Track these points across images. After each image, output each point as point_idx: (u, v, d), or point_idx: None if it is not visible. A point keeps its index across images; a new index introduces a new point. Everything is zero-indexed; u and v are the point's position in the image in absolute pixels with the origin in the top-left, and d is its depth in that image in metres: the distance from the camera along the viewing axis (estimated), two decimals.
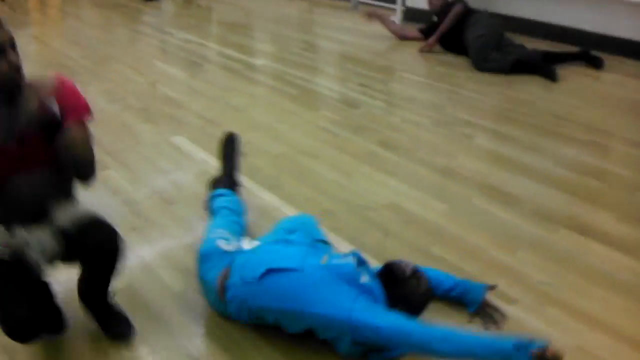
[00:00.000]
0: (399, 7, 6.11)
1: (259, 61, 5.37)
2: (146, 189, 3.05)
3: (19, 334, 1.74)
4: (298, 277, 1.88)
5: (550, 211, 2.77)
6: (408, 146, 3.52)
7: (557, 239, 2.56)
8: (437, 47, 5.26)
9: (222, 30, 6.70)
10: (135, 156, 3.44)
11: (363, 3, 6.89)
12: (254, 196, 2.96)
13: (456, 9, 4.99)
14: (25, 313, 1.71)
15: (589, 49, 4.78)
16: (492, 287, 2.18)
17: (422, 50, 5.22)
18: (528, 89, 4.34)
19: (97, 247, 1.81)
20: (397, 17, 6.13)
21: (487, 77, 4.61)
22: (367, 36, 5.90)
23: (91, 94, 4.72)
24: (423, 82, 4.70)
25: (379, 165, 3.26)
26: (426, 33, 5.42)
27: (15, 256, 1.76)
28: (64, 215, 1.80)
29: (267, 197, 2.96)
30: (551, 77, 4.45)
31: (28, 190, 1.71)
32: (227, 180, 2.68)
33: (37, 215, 1.77)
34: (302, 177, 3.16)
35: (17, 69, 1.63)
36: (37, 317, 1.75)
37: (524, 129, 3.67)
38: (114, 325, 2.03)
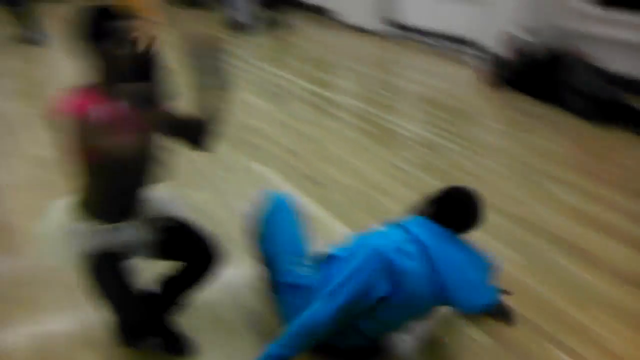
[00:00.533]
0: (479, 53, 6.12)
1: (339, 97, 5.48)
2: (226, 210, 3.15)
3: (133, 337, 1.87)
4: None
5: (631, 274, 2.67)
6: (481, 192, 3.48)
7: (637, 304, 2.47)
8: (517, 93, 5.25)
9: (306, 65, 6.87)
10: (217, 178, 3.57)
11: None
12: (324, 225, 3.01)
13: None
14: (142, 316, 1.85)
15: None
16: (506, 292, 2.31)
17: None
18: (610, 143, 4.24)
19: (203, 250, 2.01)
20: (476, 63, 6.13)
21: (569, 128, 4.53)
22: (447, 79, 5.93)
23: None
24: (501, 129, 4.66)
25: None
26: (508, 80, 5.40)
27: (118, 249, 1.88)
28: (156, 210, 1.99)
29: (337, 227, 3.00)
30: None
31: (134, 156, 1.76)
32: None
33: (133, 202, 1.93)
34: (372, 211, 3.20)
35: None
36: (148, 319, 1.87)
37: (604, 184, 3.57)
38: (174, 341, 2.10)
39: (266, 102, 5.23)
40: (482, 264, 2.09)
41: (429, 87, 5.70)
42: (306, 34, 8.21)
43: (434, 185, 3.49)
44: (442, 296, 1.95)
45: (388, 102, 5.26)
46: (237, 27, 8.12)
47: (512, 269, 2.67)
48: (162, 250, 1.97)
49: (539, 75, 5.10)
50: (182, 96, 1.88)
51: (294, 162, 3.23)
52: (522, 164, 3.91)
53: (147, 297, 2.01)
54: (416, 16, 7.44)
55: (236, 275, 2.57)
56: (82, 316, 2.24)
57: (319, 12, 9.12)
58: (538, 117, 4.80)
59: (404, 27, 7.67)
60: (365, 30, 7.93)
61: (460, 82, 5.83)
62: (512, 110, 5.05)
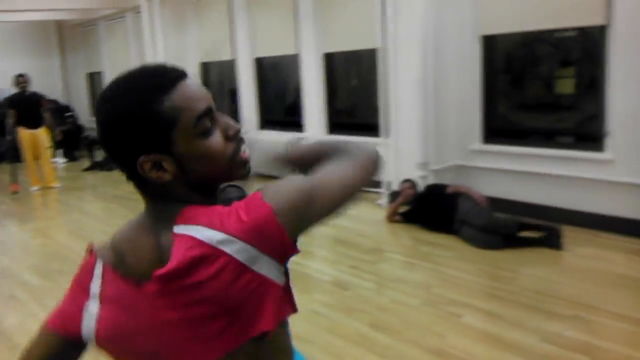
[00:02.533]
0: (384, 190, 6.53)
1: None
2: None
3: None
4: None
5: None
6: (398, 327, 3.63)
7: None
8: (419, 226, 5.59)
9: None
10: None
11: None
12: None
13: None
14: None
15: (559, 226, 4.96)
16: None
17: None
18: (510, 267, 4.54)
19: None
20: (383, 200, 6.51)
21: (471, 255, 4.84)
22: (357, 220, 6.22)
23: None
24: (410, 262, 4.91)
25: (370, 347, 3.35)
26: (406, 217, 5.78)
27: None
28: None
29: None
30: (556, 245, 4.73)
31: None
32: None
33: None
34: None
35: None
36: None
37: (510, 306, 3.81)
38: None
39: None
40: None
41: (342, 229, 5.95)
42: None
43: (359, 328, 3.63)
44: None
45: (303, 247, 5.42)
46: None
47: None
48: None
49: (435, 208, 5.50)
50: None
51: None
52: (432, 294, 4.11)
53: None
54: None
55: None
56: None
57: None
58: (441, 247, 5.11)
59: None
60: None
61: (368, 219, 6.14)
62: (417, 242, 5.35)
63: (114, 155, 1.06)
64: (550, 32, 5.58)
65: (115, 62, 12.29)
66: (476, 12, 5.88)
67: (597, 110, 5.15)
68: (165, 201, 1.08)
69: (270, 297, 1.02)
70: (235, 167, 1.10)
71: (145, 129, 1.00)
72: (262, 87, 8.97)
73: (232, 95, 9.62)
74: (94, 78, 13.57)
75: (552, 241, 4.84)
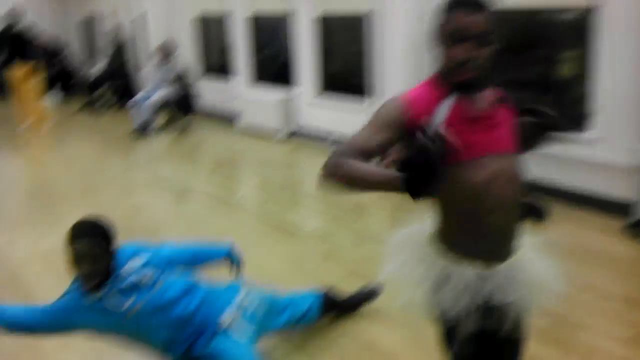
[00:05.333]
0: None
1: (239, 194, 5.70)
2: None
3: None
4: None
5: None
6: (372, 274, 3.73)
7: None
8: None
9: (208, 165, 7.09)
10: None
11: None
12: None
13: None
14: None
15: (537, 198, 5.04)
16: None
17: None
18: None
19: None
20: None
21: None
22: None
23: (75, 220, 4.95)
24: (389, 217, 4.99)
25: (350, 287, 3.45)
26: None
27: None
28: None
29: None
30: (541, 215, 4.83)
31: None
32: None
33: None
34: None
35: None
36: None
37: None
38: None
39: (166, 201, 5.37)
40: None
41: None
42: (212, 138, 8.49)
43: (333, 274, 3.73)
44: None
45: (288, 199, 5.54)
46: (139, 130, 8.32)
47: None
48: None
49: None
50: None
51: None
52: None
53: None
54: (316, 119, 7.91)
55: None
56: None
57: (226, 119, 9.43)
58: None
59: (306, 131, 8.09)
60: (269, 135, 8.28)
61: None
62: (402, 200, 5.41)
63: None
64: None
65: (113, 7, 12.09)
66: None
67: None
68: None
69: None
70: (457, 72, 1.63)
71: (437, 28, 1.66)
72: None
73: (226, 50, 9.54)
74: (88, 22, 13.38)
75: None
